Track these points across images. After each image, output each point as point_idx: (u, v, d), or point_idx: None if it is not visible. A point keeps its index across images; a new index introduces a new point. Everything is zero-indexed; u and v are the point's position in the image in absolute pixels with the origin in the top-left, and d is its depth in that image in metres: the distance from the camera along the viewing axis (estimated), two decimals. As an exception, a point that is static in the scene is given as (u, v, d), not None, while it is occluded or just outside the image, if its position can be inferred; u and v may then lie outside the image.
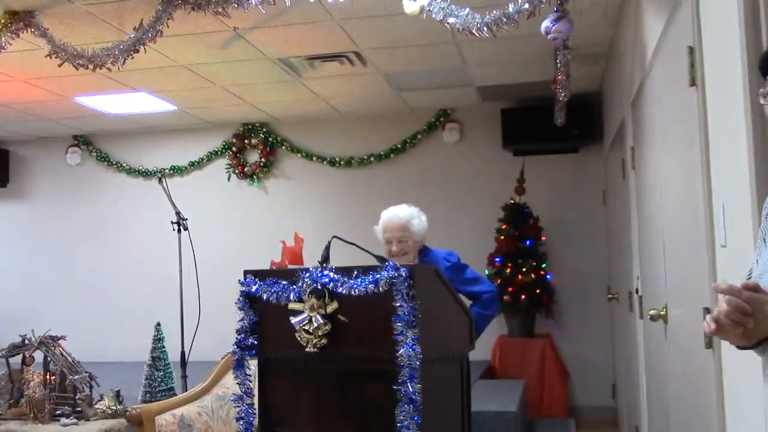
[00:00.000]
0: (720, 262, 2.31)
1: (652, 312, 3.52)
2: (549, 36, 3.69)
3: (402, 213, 3.75)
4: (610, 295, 6.54)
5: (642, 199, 4.30)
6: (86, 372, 3.58)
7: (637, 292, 4.61)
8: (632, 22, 4.34)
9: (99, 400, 3.55)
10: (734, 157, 2.05)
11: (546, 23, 3.64)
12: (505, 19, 3.59)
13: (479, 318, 3.56)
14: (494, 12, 3.62)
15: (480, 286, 3.70)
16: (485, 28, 3.64)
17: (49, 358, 3.58)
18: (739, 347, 1.46)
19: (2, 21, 4.52)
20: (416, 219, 3.73)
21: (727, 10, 2.07)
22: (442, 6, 3.72)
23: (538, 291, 6.85)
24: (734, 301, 1.40)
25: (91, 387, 3.56)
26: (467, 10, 3.69)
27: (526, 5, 3.52)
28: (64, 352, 3.61)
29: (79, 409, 3.47)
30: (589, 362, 7.11)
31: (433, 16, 3.76)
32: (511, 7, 3.57)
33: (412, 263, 3.65)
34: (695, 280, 2.62)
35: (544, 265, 6.99)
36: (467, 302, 3.44)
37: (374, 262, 3.33)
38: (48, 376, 3.55)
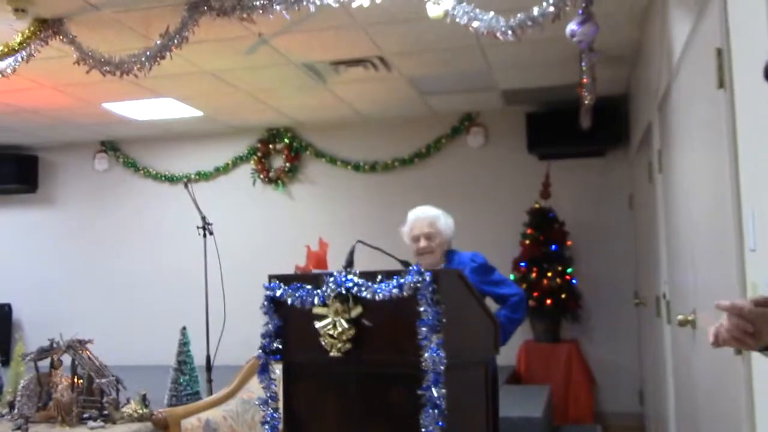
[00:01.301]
0: (749, 267, 2.28)
1: (680, 317, 3.48)
2: (574, 39, 3.67)
3: (430, 211, 3.76)
4: (637, 300, 6.48)
5: (669, 202, 4.26)
6: (113, 375, 3.60)
7: (664, 297, 4.56)
8: (658, 24, 4.30)
9: (126, 404, 3.58)
10: (764, 160, 2.02)
11: (571, 26, 3.62)
12: (529, 23, 3.58)
13: (508, 322, 3.53)
14: (519, 15, 3.61)
15: (507, 289, 3.66)
16: (510, 32, 3.63)
17: (76, 362, 3.61)
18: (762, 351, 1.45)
19: (31, 29, 4.59)
20: (443, 218, 3.74)
21: (756, 11, 2.04)
22: (467, 10, 3.72)
23: (563, 296, 6.80)
24: (735, 319, 1.43)
25: (117, 390, 3.58)
26: (491, 13, 3.68)
27: (551, 8, 3.50)
28: (91, 356, 3.64)
29: (106, 412, 3.50)
30: (616, 368, 7.04)
31: (457, 20, 3.76)
32: (535, 11, 3.56)
33: (438, 264, 3.65)
34: (724, 284, 2.59)
35: (569, 270, 6.93)
36: (493, 305, 3.42)
37: (398, 266, 3.32)
38: (76, 380, 3.58)
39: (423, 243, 3.66)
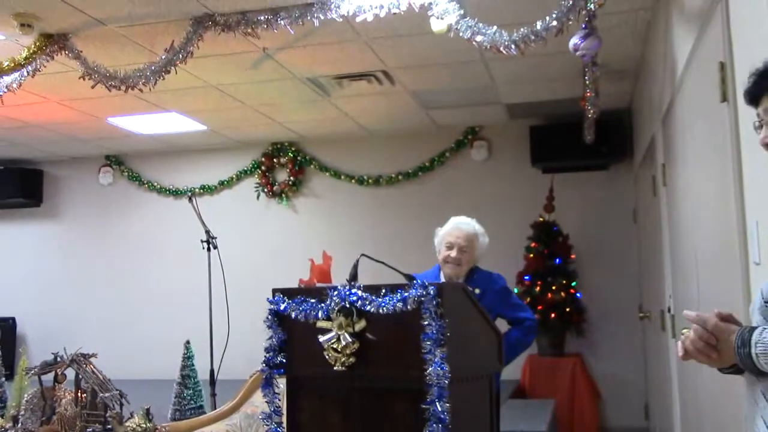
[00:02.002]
0: (754, 280, 2.27)
1: (684, 331, 3.45)
2: (577, 53, 3.68)
3: (472, 225, 3.77)
4: (641, 314, 6.45)
5: (673, 216, 4.25)
6: (117, 390, 3.59)
7: (669, 310, 4.54)
8: (662, 38, 4.31)
9: (129, 418, 3.56)
10: (767, 173, 2.02)
11: (574, 40, 3.63)
12: (533, 37, 3.59)
13: (517, 343, 3.59)
14: (522, 30, 3.62)
15: (523, 313, 3.74)
16: (513, 46, 3.65)
17: (80, 376, 3.60)
18: (720, 370, 1.51)
19: (37, 44, 4.62)
20: (482, 237, 3.76)
21: (759, 25, 2.05)
22: (470, 24, 3.73)
23: (568, 309, 6.78)
24: (700, 330, 1.50)
25: (121, 405, 3.57)
26: (495, 28, 3.70)
27: (554, 23, 3.52)
28: (95, 370, 3.63)
29: (109, 426, 3.49)
30: (621, 382, 7.01)
31: (461, 34, 3.77)
32: (539, 25, 3.57)
33: (460, 277, 3.66)
34: (729, 298, 2.58)
35: (574, 284, 6.92)
36: (503, 326, 3.43)
37: (402, 280, 3.32)
38: (79, 394, 3.58)
39: (454, 254, 3.67)
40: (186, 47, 4.38)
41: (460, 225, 3.75)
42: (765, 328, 1.43)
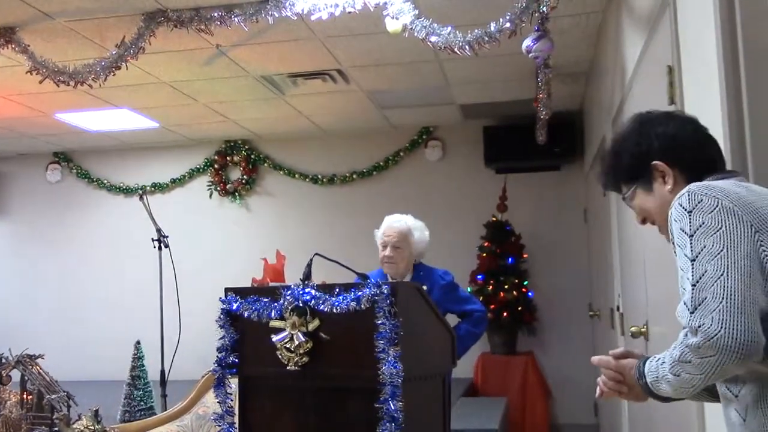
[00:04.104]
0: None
1: (633, 329, 3.53)
2: (530, 55, 3.72)
3: (405, 222, 3.74)
4: (591, 312, 6.56)
5: (622, 216, 4.33)
6: (64, 391, 3.53)
7: (618, 309, 4.63)
8: (612, 42, 4.38)
9: (77, 420, 3.50)
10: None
11: (527, 42, 3.67)
12: (486, 38, 3.62)
13: (467, 335, 3.58)
14: (476, 31, 3.65)
15: (471, 305, 3.73)
16: (467, 47, 3.68)
17: (26, 377, 3.53)
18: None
19: (-18, 37, 4.50)
20: (418, 232, 3.73)
21: (705, 30, 2.10)
22: (424, 24, 3.75)
23: (520, 308, 6.86)
24: (607, 372, 1.66)
25: (69, 406, 3.51)
26: (449, 28, 3.72)
27: (508, 24, 3.56)
28: (41, 371, 3.56)
29: (56, 429, 3.42)
30: (571, 379, 7.11)
31: (416, 34, 3.79)
32: (492, 26, 3.61)
33: (402, 275, 3.65)
34: (675, 297, 2.63)
35: (525, 283, 7.00)
36: (454, 320, 3.45)
37: (357, 279, 3.32)
38: (25, 396, 3.50)
39: (388, 252, 3.67)
40: (137, 43, 4.31)
41: (392, 223, 3.74)
42: (654, 357, 1.52)
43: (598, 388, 1.68)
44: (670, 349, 1.44)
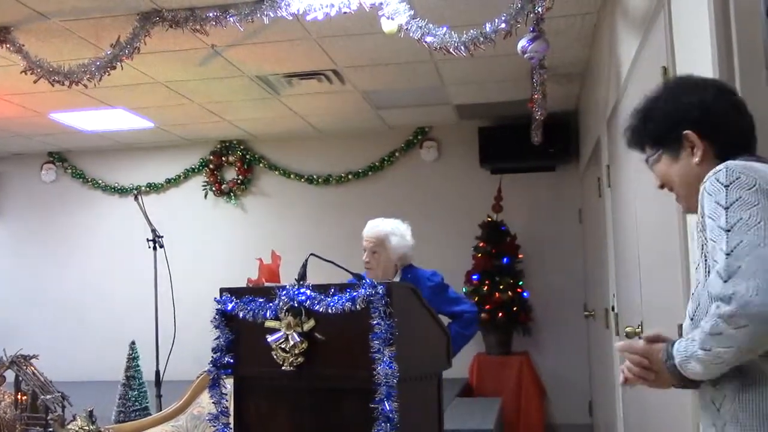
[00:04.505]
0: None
1: (627, 329, 3.54)
2: (525, 55, 3.73)
3: (382, 226, 3.74)
4: (586, 313, 6.57)
5: (617, 217, 4.34)
6: (59, 392, 3.52)
7: (613, 309, 4.64)
8: (607, 43, 4.39)
9: (71, 421, 3.49)
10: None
11: (522, 43, 3.68)
12: (482, 39, 3.63)
13: (458, 336, 3.57)
14: (471, 31, 3.65)
15: (461, 306, 3.71)
16: (462, 47, 3.68)
17: (20, 378, 3.52)
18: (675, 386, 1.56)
19: (-23, 37, 4.49)
20: (396, 237, 3.71)
21: (700, 31, 2.11)
22: (420, 25, 3.75)
23: (515, 308, 6.86)
24: (631, 357, 1.58)
25: (63, 407, 3.50)
26: (445, 29, 3.72)
27: (503, 25, 3.56)
28: (36, 372, 3.55)
29: (51, 429, 3.41)
30: (566, 379, 7.13)
31: (411, 35, 3.79)
32: (488, 27, 3.61)
33: (385, 279, 3.65)
34: (670, 297, 2.64)
35: (521, 283, 7.01)
36: (446, 321, 3.44)
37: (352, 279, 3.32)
38: (20, 396, 3.50)
39: (365, 257, 3.68)
40: (132, 43, 4.30)
41: (369, 228, 3.76)
42: (683, 339, 1.48)
43: (621, 375, 1.62)
44: (701, 325, 1.40)
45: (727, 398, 1.44)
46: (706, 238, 1.45)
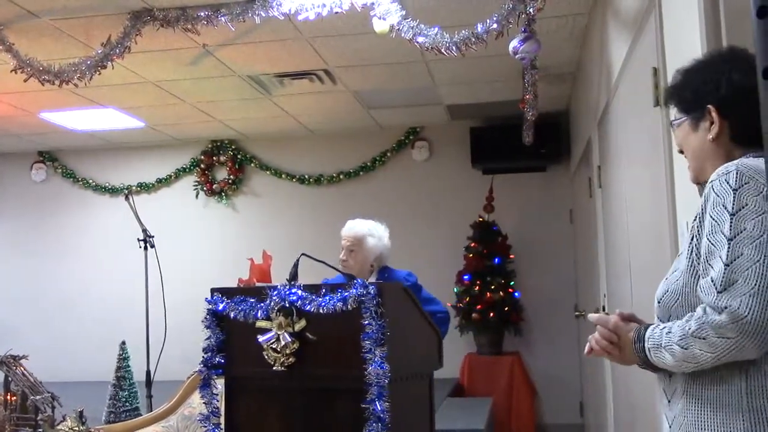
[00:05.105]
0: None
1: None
2: (517, 56, 3.74)
3: (360, 226, 3.79)
4: (577, 313, 6.59)
5: (608, 217, 4.35)
6: (49, 392, 3.51)
7: (604, 309, 4.65)
8: (598, 44, 4.40)
9: (61, 421, 3.48)
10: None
11: (514, 43, 3.69)
12: (473, 39, 3.63)
13: None
14: (463, 32, 3.66)
15: (434, 306, 3.75)
16: (454, 48, 3.68)
17: (10, 378, 3.50)
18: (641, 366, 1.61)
19: (-34, 35, 4.46)
20: (374, 238, 3.75)
21: (690, 32, 2.11)
22: (411, 25, 3.75)
23: (506, 309, 6.87)
24: (602, 330, 1.65)
25: (53, 407, 3.49)
26: (436, 29, 3.73)
27: (494, 25, 3.56)
28: (25, 372, 3.54)
29: (41, 430, 3.40)
30: (557, 380, 7.14)
31: (403, 35, 3.79)
32: (479, 27, 3.62)
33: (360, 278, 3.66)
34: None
35: (512, 283, 7.02)
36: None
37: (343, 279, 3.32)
38: (9, 397, 3.48)
39: (342, 255, 3.72)
40: (123, 42, 4.29)
41: (346, 228, 3.81)
42: (659, 325, 1.53)
43: (587, 345, 1.68)
44: (682, 321, 1.43)
45: (677, 391, 1.50)
46: (700, 234, 1.46)
